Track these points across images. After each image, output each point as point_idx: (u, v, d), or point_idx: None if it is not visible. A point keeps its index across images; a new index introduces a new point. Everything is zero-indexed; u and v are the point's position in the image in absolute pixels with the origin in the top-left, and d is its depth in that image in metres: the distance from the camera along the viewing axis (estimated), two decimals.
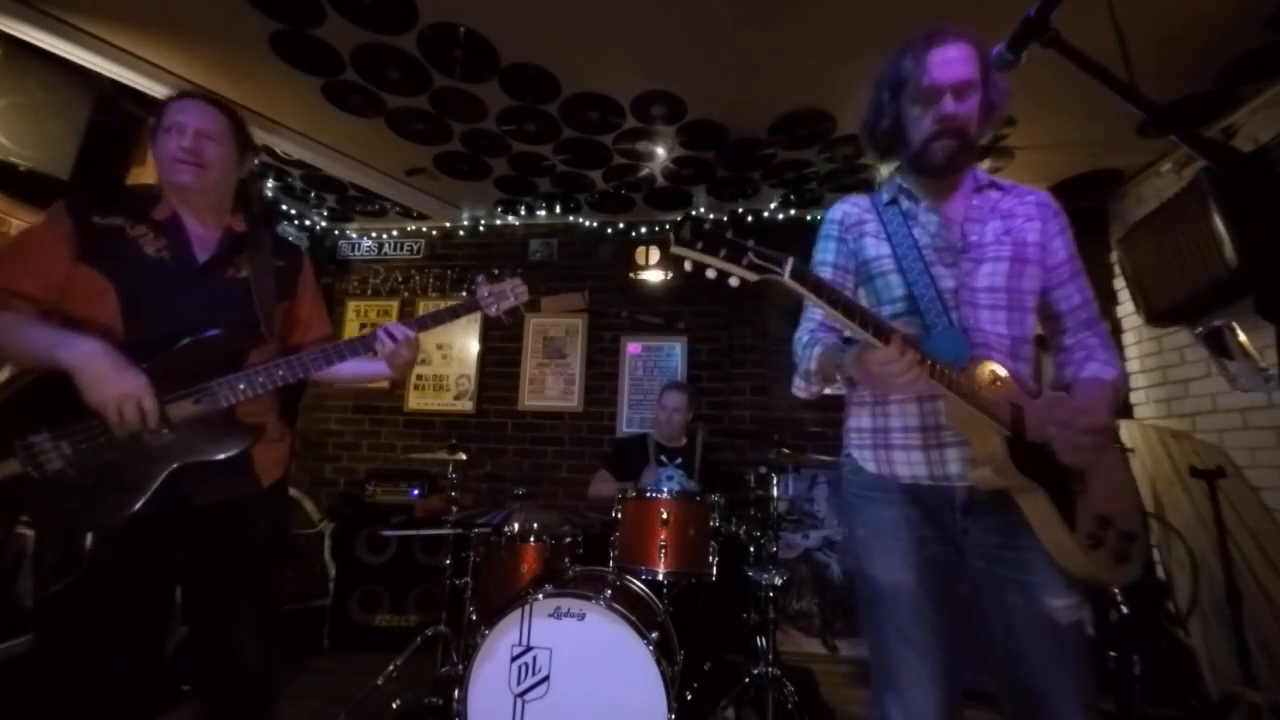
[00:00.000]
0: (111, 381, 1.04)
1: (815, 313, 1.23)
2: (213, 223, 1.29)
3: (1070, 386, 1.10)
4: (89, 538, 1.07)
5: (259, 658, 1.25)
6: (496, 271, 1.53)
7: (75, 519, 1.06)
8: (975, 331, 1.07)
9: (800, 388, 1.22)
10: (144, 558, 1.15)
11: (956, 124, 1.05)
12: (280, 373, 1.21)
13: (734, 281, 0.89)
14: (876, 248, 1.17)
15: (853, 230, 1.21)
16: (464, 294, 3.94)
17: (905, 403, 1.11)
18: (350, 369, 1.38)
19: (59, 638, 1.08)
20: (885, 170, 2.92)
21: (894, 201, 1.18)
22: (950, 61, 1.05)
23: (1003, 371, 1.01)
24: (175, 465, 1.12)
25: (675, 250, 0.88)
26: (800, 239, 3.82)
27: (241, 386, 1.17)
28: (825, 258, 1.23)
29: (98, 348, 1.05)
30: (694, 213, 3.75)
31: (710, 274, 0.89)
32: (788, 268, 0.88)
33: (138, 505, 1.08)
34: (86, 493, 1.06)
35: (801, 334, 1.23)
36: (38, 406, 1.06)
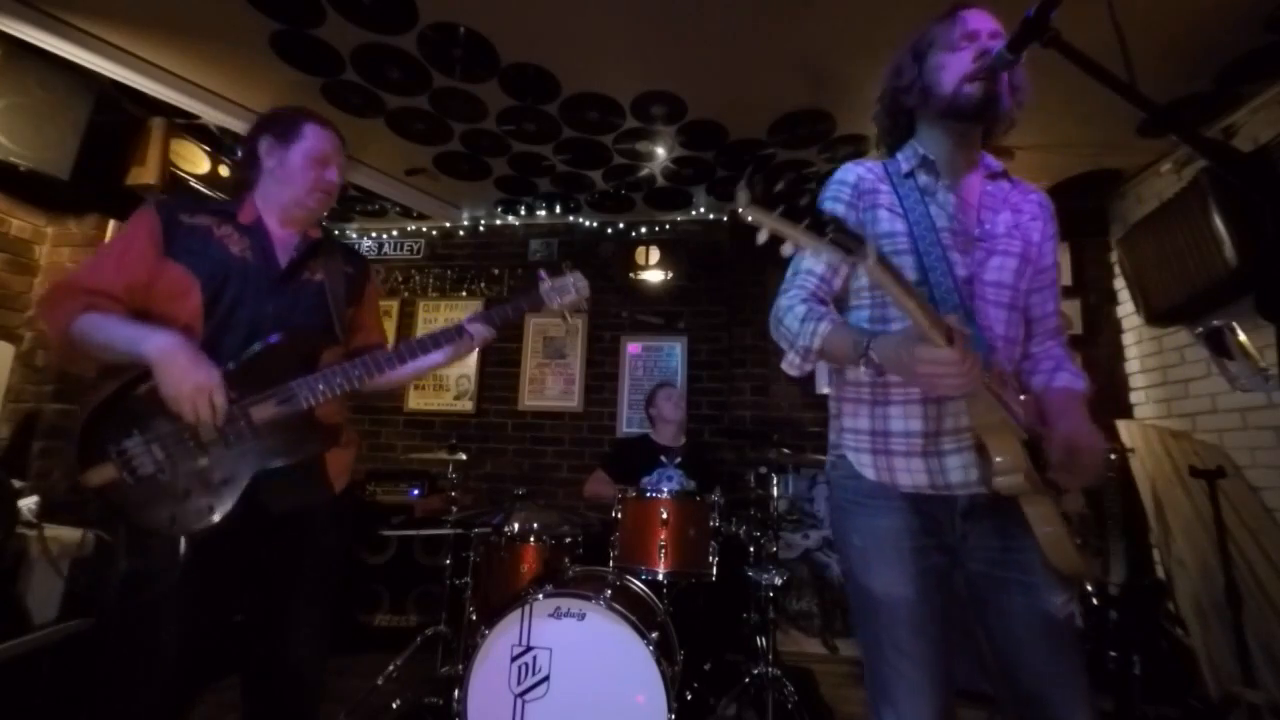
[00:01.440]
0: (187, 374, 1.05)
1: (807, 280, 1.10)
2: (293, 230, 1.32)
3: (1041, 395, 1.08)
4: (183, 542, 1.08)
5: (314, 667, 1.27)
6: (552, 270, 1.54)
7: (169, 524, 1.07)
8: (987, 331, 1.03)
9: (794, 364, 1.05)
10: (219, 564, 1.15)
11: (995, 60, 0.96)
12: (357, 373, 1.23)
13: (787, 249, 0.74)
14: (890, 222, 1.07)
15: (866, 198, 1.10)
16: (464, 294, 3.94)
17: (910, 404, 1.05)
18: (412, 367, 1.40)
19: (134, 642, 1.08)
20: None
21: (911, 174, 1.11)
22: (984, 16, 1.04)
23: (1009, 372, 1.00)
24: (259, 468, 1.13)
25: (748, 212, 0.72)
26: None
27: (321, 387, 1.19)
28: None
29: (176, 341, 1.07)
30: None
31: (787, 249, 0.74)
32: (873, 253, 0.73)
33: (227, 510, 1.09)
34: (178, 497, 1.07)
35: (791, 303, 1.07)
36: (129, 411, 1.07)
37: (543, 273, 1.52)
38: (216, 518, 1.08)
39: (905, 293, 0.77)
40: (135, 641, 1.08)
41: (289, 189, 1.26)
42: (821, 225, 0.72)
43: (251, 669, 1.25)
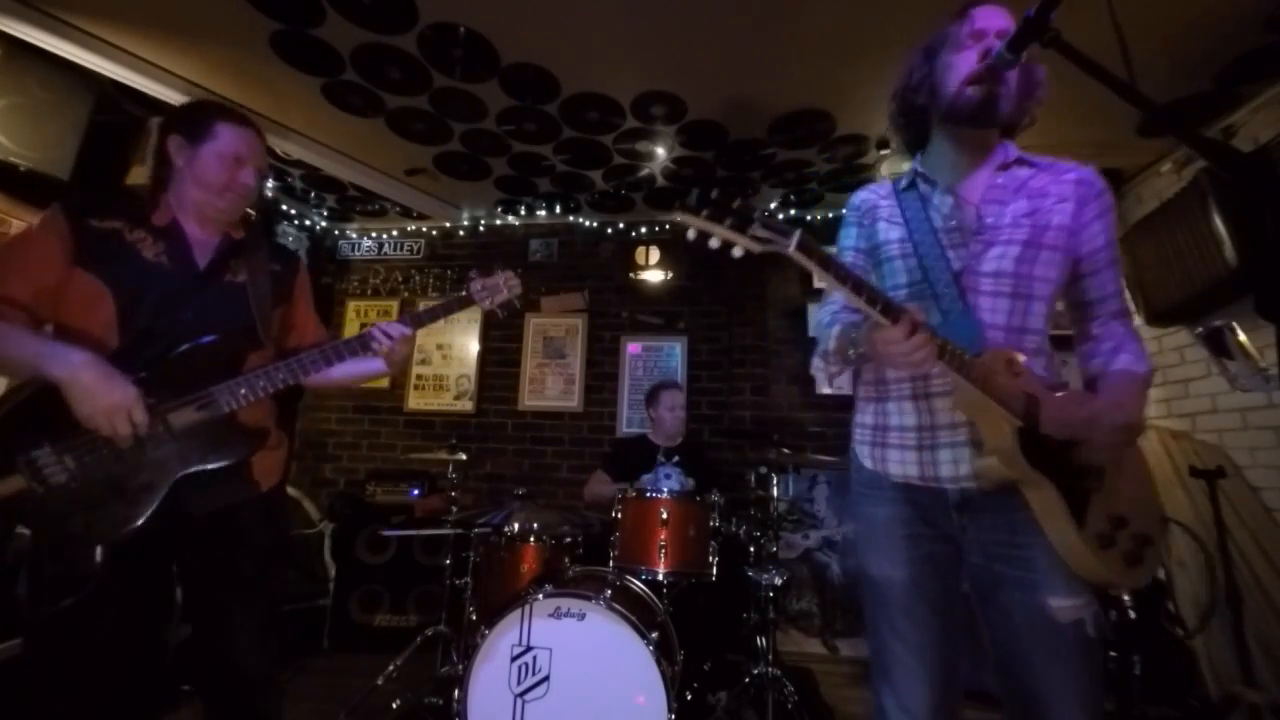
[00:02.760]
0: (100, 394, 1.01)
1: (838, 295, 1.16)
2: (213, 230, 1.28)
3: (1098, 378, 1.06)
4: (98, 552, 1.06)
5: (261, 664, 1.25)
6: (483, 270, 1.53)
7: (84, 533, 1.05)
8: (979, 322, 1.05)
9: (818, 368, 1.22)
10: (144, 569, 1.14)
11: (1000, 58, 0.96)
12: (280, 375, 1.21)
13: (737, 252, 0.85)
14: (888, 231, 1.16)
15: (868, 215, 1.21)
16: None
17: (903, 400, 1.11)
18: (347, 369, 1.38)
19: (60, 652, 1.06)
20: (887, 170, 2.92)
21: (911, 186, 1.17)
22: (995, 14, 1.04)
23: (1021, 360, 0.98)
24: (180, 474, 1.12)
25: (680, 217, 0.85)
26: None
27: (242, 391, 1.17)
28: (846, 244, 1.23)
29: (85, 359, 1.02)
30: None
31: (714, 243, 0.85)
32: (794, 240, 0.84)
33: (144, 517, 1.07)
34: (92, 506, 1.05)
35: (823, 315, 1.22)
36: (39, 419, 1.04)
37: (473, 272, 1.51)
38: (135, 525, 1.06)
39: (833, 277, 0.89)
40: (65, 651, 1.06)
41: (199, 190, 1.22)
42: (746, 221, 0.83)
43: (200, 673, 1.24)
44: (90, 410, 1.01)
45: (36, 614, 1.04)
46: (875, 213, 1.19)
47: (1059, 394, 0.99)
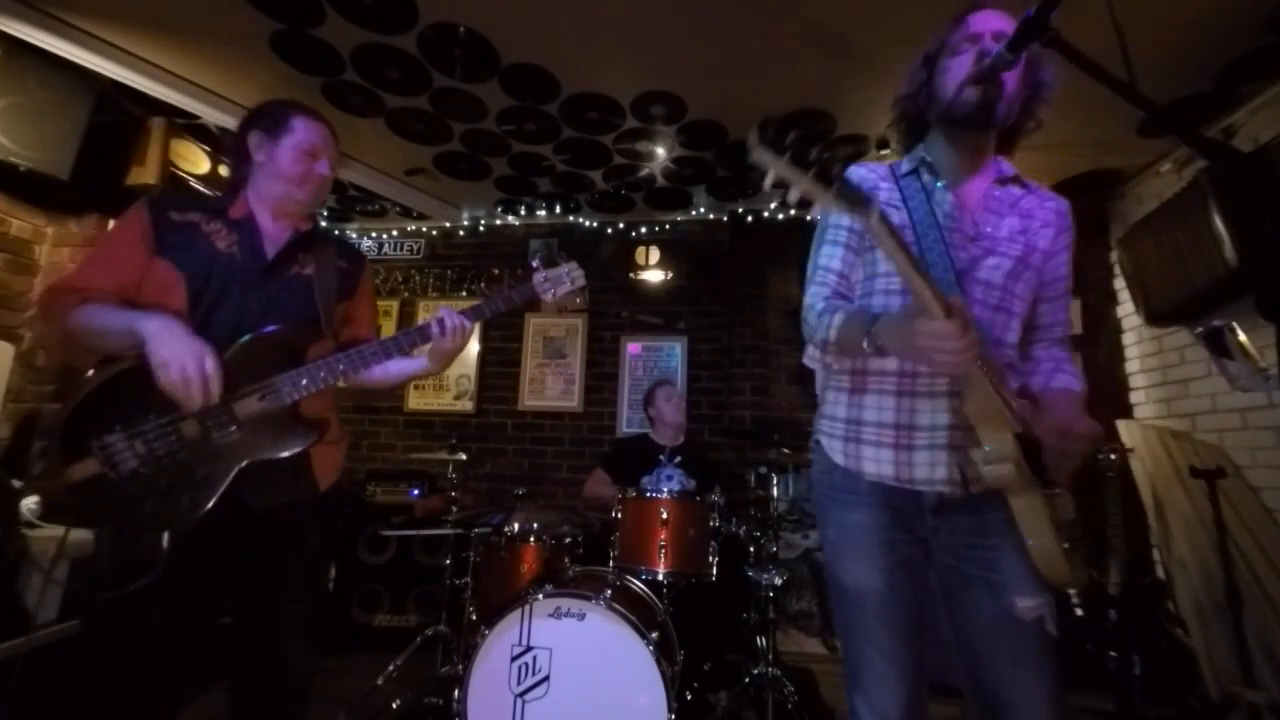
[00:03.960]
0: (183, 341, 1.05)
1: (826, 276, 1.13)
2: (286, 224, 1.31)
3: (1038, 396, 1.08)
4: (165, 538, 1.08)
5: (301, 663, 1.25)
6: (544, 260, 1.47)
7: (153, 519, 1.07)
8: None
9: (814, 359, 1.13)
10: (203, 560, 1.15)
11: (993, 61, 0.96)
12: (341, 366, 1.22)
13: (793, 196, 0.77)
14: (891, 215, 1.10)
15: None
16: (465, 293, 3.94)
17: (884, 395, 1.08)
18: (397, 368, 1.39)
19: (119, 637, 1.08)
20: None
21: (914, 172, 1.13)
22: (991, 17, 1.04)
23: (1002, 369, 1.00)
24: (243, 464, 1.13)
25: (758, 154, 0.74)
26: (801, 239, 3.79)
27: (304, 382, 1.18)
28: (842, 222, 1.14)
29: (174, 317, 1.10)
30: (738, 213, 3.66)
31: (792, 196, 0.76)
32: (875, 212, 0.77)
33: (209, 505, 1.09)
34: (161, 493, 1.07)
35: (814, 301, 1.11)
36: (111, 405, 1.07)
37: (536, 262, 1.47)
38: (199, 513, 1.08)
39: (907, 259, 0.80)
40: (124, 635, 1.08)
41: (279, 182, 1.26)
42: (827, 179, 0.74)
43: (239, 668, 1.25)
44: (169, 355, 1.04)
45: (104, 596, 1.06)
46: (877, 191, 1.13)
47: (1019, 402, 1.00)
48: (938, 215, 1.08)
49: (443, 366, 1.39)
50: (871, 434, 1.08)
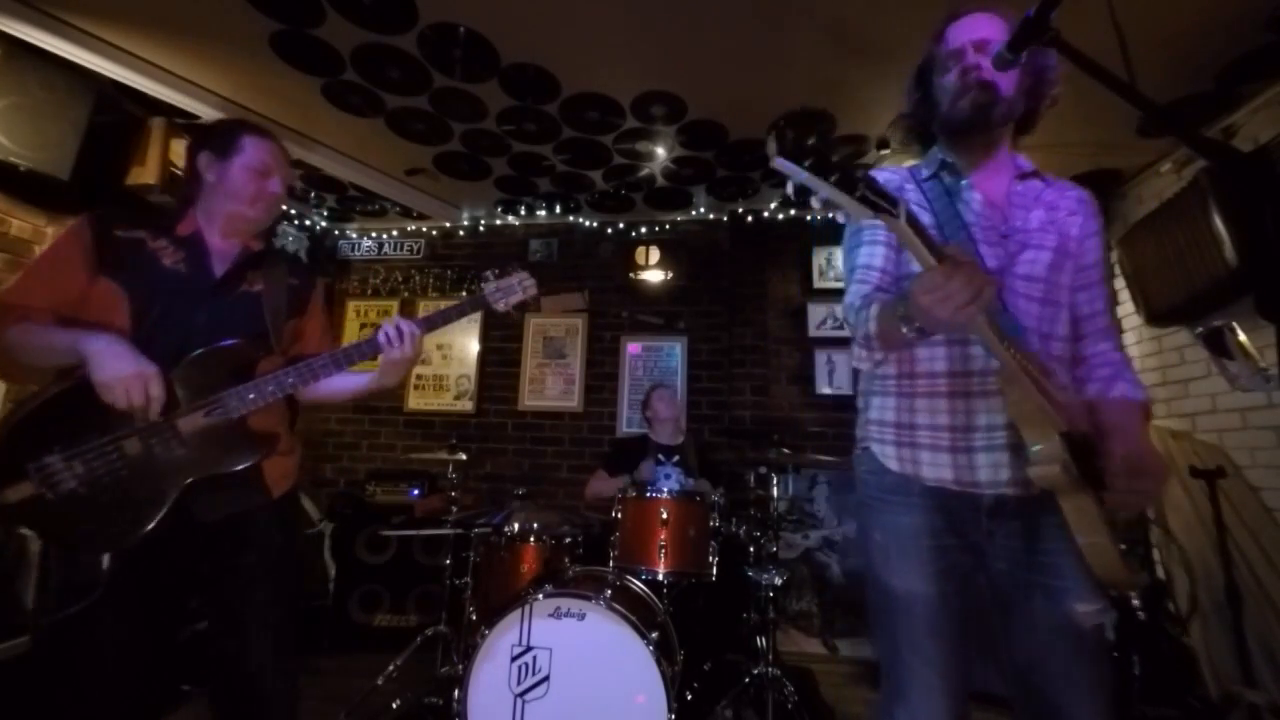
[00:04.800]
0: (125, 360, 1.04)
1: (867, 274, 1.10)
2: (235, 241, 1.31)
3: (1096, 404, 1.03)
4: (106, 559, 1.06)
5: (273, 672, 1.24)
6: (497, 271, 1.50)
7: (91, 540, 1.06)
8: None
9: (861, 359, 1.07)
10: (152, 576, 1.14)
11: (981, 75, 1.00)
12: (289, 379, 1.20)
13: (816, 203, 0.75)
14: (919, 216, 1.11)
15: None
16: (464, 293, 3.94)
17: (936, 398, 1.05)
18: (349, 382, 1.37)
19: (67, 658, 1.07)
20: None
21: (935, 175, 1.13)
22: (967, 25, 1.05)
23: (1049, 365, 0.97)
24: (189, 480, 1.12)
25: (779, 163, 0.72)
26: (801, 239, 3.79)
27: (251, 396, 1.17)
28: (877, 222, 1.15)
29: (117, 337, 1.08)
30: (739, 213, 3.65)
31: (815, 202, 0.75)
32: (904, 211, 0.77)
33: (153, 524, 1.08)
34: (101, 512, 1.05)
35: (853, 299, 1.09)
36: (49, 427, 1.05)
37: (488, 273, 1.48)
38: (143, 531, 1.07)
39: (924, 245, 0.78)
40: (66, 656, 1.07)
41: (231, 202, 1.26)
42: (852, 182, 0.73)
43: (214, 681, 1.24)
44: (113, 374, 1.02)
45: (43, 619, 1.04)
46: (902, 193, 1.12)
47: (1071, 401, 0.97)
48: (965, 216, 1.07)
49: (395, 378, 1.35)
50: (926, 437, 1.05)
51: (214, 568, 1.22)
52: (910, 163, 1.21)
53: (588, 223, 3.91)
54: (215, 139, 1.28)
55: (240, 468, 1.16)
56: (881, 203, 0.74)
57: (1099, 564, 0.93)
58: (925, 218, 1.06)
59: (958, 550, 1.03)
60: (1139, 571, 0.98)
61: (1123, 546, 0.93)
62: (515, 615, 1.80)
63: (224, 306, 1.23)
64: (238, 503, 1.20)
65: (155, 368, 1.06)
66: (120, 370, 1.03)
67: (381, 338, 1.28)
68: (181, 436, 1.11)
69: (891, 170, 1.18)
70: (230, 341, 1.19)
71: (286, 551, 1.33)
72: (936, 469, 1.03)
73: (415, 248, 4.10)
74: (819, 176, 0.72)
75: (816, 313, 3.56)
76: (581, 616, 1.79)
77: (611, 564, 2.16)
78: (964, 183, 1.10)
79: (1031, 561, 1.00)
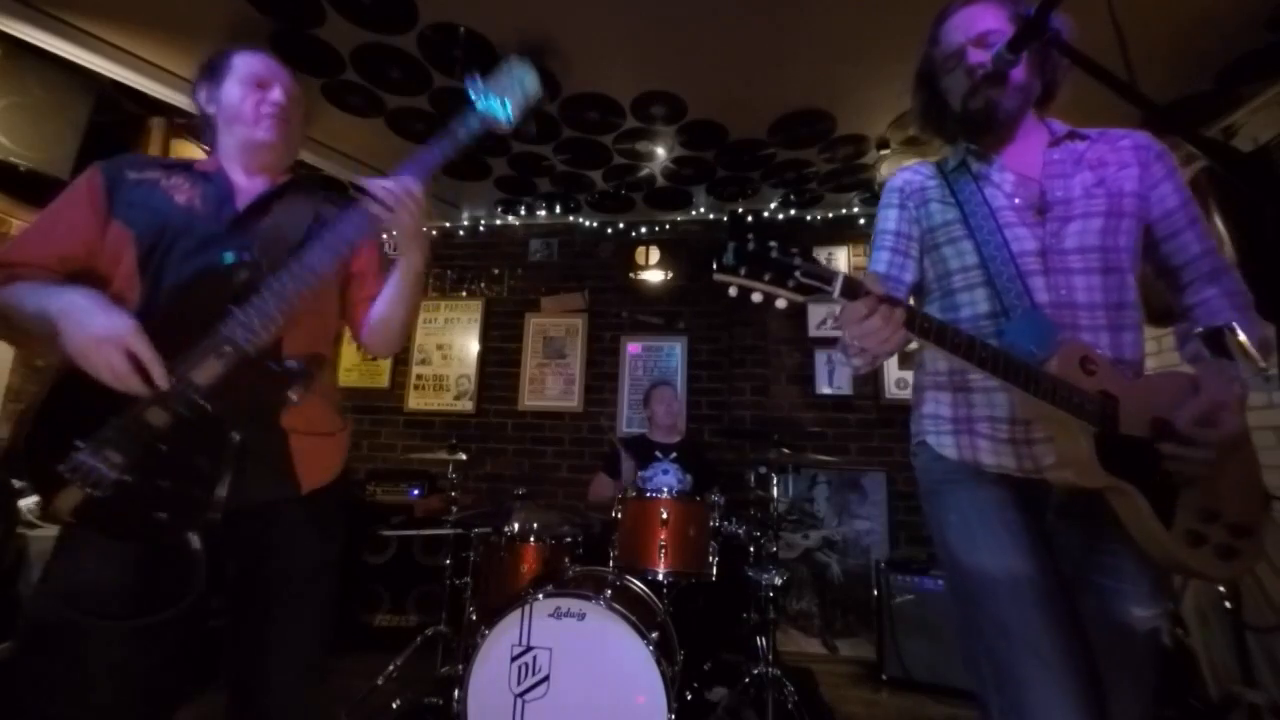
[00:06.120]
0: (93, 318, 0.86)
1: (883, 240, 1.15)
2: (263, 178, 1.16)
3: (1196, 361, 0.97)
4: (195, 539, 0.93)
5: (294, 698, 1.07)
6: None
7: (169, 525, 0.92)
8: (1067, 305, 0.96)
9: (839, 361, 1.15)
10: (157, 572, 0.98)
11: (987, 71, 0.98)
12: (289, 284, 0.97)
13: (781, 304, 0.81)
14: (944, 213, 1.08)
15: (914, 197, 1.13)
16: (464, 294, 3.93)
17: (991, 392, 1.00)
18: (388, 292, 1.17)
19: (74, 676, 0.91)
20: (887, 170, 2.91)
21: (961, 165, 1.09)
22: (962, 23, 1.03)
23: (1096, 354, 0.91)
24: (239, 436, 0.96)
25: (718, 278, 0.80)
26: (800, 239, 3.81)
27: (253, 316, 0.95)
28: (887, 226, 1.14)
29: (82, 291, 0.91)
30: (738, 214, 3.68)
31: (756, 298, 0.81)
32: (838, 285, 0.80)
33: (224, 489, 0.94)
34: (164, 494, 0.91)
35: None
36: (64, 417, 0.91)
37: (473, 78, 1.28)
38: (218, 498, 0.94)
39: (860, 303, 0.82)
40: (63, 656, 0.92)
41: (237, 125, 1.13)
42: (785, 273, 0.80)
43: (231, 692, 1.08)
44: (81, 344, 0.85)
45: (133, 623, 0.92)
46: (924, 194, 1.12)
47: (1138, 382, 0.92)
48: (993, 202, 1.04)
49: (417, 249, 1.13)
50: (985, 428, 1.00)
51: (240, 573, 1.05)
52: (934, 158, 1.19)
53: (588, 223, 3.91)
54: (207, 69, 1.17)
55: (293, 400, 0.99)
56: (816, 283, 0.80)
57: (1155, 553, 0.88)
58: (950, 213, 1.07)
59: (1037, 531, 0.96)
60: (1221, 563, 0.90)
61: (1191, 539, 0.87)
62: (515, 615, 1.79)
63: (245, 243, 1.05)
64: (253, 492, 0.99)
65: (130, 322, 0.88)
66: (90, 332, 0.85)
67: (373, 195, 1.06)
68: (203, 390, 0.92)
69: (914, 169, 1.16)
70: (229, 264, 1.01)
71: (325, 565, 1.12)
72: (997, 456, 0.99)
73: None
74: (753, 279, 0.80)
75: (816, 313, 3.56)
76: (581, 616, 1.79)
77: (611, 564, 2.16)
78: (994, 165, 1.07)
79: (1092, 562, 0.95)
